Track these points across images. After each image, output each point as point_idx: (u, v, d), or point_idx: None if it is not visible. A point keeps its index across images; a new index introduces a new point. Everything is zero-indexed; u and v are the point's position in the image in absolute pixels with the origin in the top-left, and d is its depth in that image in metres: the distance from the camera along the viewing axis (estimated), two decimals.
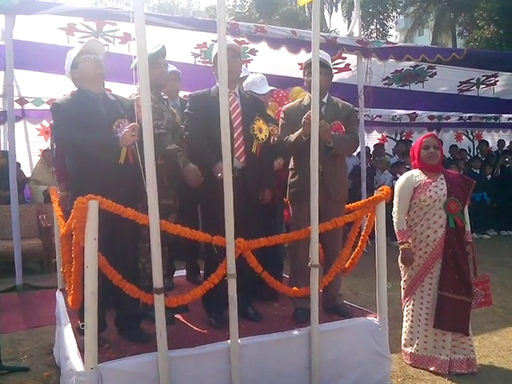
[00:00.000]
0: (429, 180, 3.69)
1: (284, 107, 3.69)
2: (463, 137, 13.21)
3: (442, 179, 3.70)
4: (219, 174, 3.04)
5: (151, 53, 3.28)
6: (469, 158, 11.56)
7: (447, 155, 11.22)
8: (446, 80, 8.96)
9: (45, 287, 5.79)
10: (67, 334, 3.16)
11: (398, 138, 12.39)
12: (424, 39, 27.78)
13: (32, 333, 4.58)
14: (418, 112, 11.80)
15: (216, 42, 2.97)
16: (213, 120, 2.81)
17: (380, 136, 12.46)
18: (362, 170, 8.13)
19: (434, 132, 12.72)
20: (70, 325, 3.25)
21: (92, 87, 3.04)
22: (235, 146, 3.33)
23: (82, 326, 2.61)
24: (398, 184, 3.81)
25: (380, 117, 11.85)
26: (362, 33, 24.48)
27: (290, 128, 3.46)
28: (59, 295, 3.95)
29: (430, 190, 3.65)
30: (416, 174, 3.76)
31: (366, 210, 3.34)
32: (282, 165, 3.88)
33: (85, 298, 2.57)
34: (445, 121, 12.58)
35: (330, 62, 3.62)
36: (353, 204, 3.48)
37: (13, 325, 4.73)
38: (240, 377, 2.86)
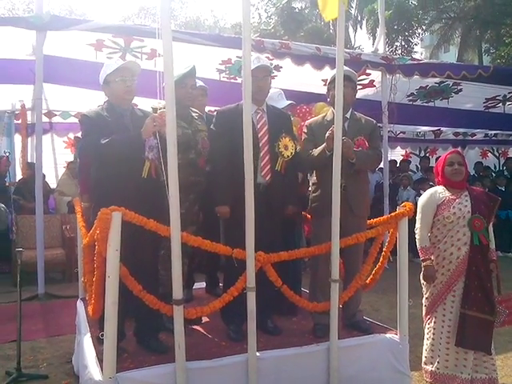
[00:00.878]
0: (453, 197, 3.64)
1: (307, 122, 3.71)
2: (489, 154, 13.02)
3: (466, 196, 3.64)
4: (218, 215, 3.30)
5: (181, 73, 3.36)
6: (494, 175, 11.39)
7: (472, 172, 11.08)
8: (471, 97, 8.89)
9: (66, 296, 5.87)
10: (86, 343, 3.19)
11: (421, 154, 12.29)
12: (450, 56, 27.58)
13: (52, 341, 4.64)
14: (442, 128, 11.70)
15: (241, 59, 3.02)
16: (239, 136, 2.84)
17: (404, 152, 12.38)
18: (385, 186, 8.07)
19: (459, 149, 12.60)
20: (89, 334, 3.29)
21: (121, 103, 3.14)
22: (261, 164, 3.36)
23: (102, 335, 2.63)
24: (421, 200, 3.77)
25: (404, 133, 11.77)
26: (387, 49, 24.56)
27: (313, 143, 3.48)
28: (80, 304, 4.00)
29: (453, 207, 3.60)
30: (440, 191, 3.72)
31: (388, 225, 3.31)
32: (300, 179, 3.89)
33: (105, 307, 2.60)
34: (470, 137, 12.43)
35: (355, 76, 3.63)
36: (375, 220, 3.45)
37: (34, 333, 4.80)
38: None
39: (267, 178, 3.37)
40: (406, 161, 11.10)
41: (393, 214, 3.31)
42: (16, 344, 3.84)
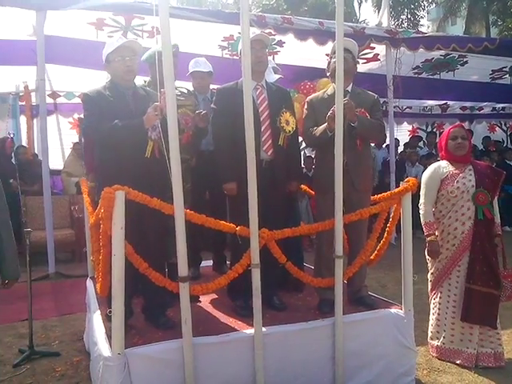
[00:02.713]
0: (456, 171, 3.63)
1: (308, 98, 3.68)
2: (496, 128, 12.90)
3: (470, 170, 3.63)
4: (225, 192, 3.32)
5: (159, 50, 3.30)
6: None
7: (480, 147, 11.01)
8: (477, 68, 8.78)
9: (76, 276, 5.96)
10: (96, 320, 3.25)
11: (428, 130, 12.19)
12: (457, 29, 27.13)
13: (63, 320, 4.73)
14: (449, 103, 11.58)
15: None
16: (240, 113, 2.83)
17: (410, 127, 12.30)
18: (391, 163, 8.04)
19: (467, 123, 12.50)
20: (98, 312, 3.34)
21: (122, 82, 3.13)
22: (263, 139, 3.35)
23: (110, 312, 2.68)
24: (424, 175, 3.76)
25: (410, 108, 11.68)
26: (392, 23, 24.17)
27: (314, 119, 3.46)
28: (89, 283, 4.06)
29: (457, 182, 3.59)
30: (443, 165, 3.71)
31: (392, 201, 3.31)
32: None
33: (112, 285, 2.64)
34: (477, 112, 12.33)
35: (354, 47, 3.57)
36: (378, 196, 3.45)
37: (45, 312, 4.90)
38: (264, 365, 2.90)
39: (269, 153, 3.37)
40: (415, 136, 11.00)
41: (396, 189, 3.30)
42: (28, 323, 3.93)
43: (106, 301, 3.08)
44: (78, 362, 3.75)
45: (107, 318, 3.01)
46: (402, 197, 3.25)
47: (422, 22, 27.13)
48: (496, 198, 3.71)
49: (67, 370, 3.61)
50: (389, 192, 3.39)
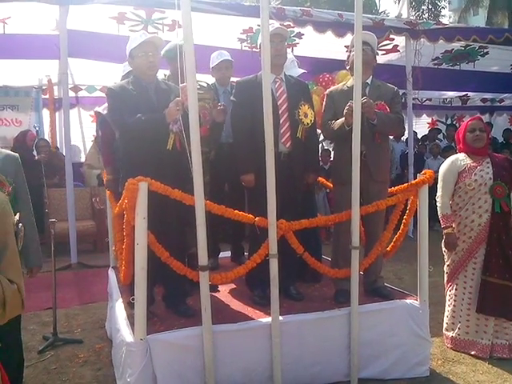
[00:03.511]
0: (474, 164, 3.64)
1: (328, 90, 3.73)
2: None
3: (488, 163, 3.64)
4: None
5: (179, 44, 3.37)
6: None
7: (500, 139, 10.88)
8: (498, 59, 8.68)
9: (98, 266, 6.09)
10: (118, 308, 3.36)
11: (448, 122, 12.08)
12: (479, 19, 26.66)
13: (85, 308, 4.87)
14: (469, 94, 11.46)
15: None
16: (259, 106, 2.89)
17: (430, 120, 12.19)
18: (410, 155, 8.02)
19: (487, 115, 12.35)
20: (121, 300, 3.45)
21: (145, 77, 3.21)
22: (281, 131, 3.41)
23: (133, 299, 2.77)
24: (442, 168, 3.78)
25: (430, 100, 11.58)
26: (413, 13, 23.84)
27: (333, 111, 3.50)
28: (111, 273, 4.18)
29: (475, 174, 3.60)
30: (461, 158, 3.72)
31: (409, 193, 3.34)
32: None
33: (135, 273, 2.74)
34: (498, 104, 12.16)
35: (373, 40, 3.59)
36: (395, 188, 3.48)
37: (68, 301, 5.04)
38: (280, 353, 2.97)
39: (287, 146, 3.42)
40: (434, 129, 10.91)
41: (413, 181, 3.33)
42: (52, 311, 4.07)
43: (128, 289, 3.18)
44: (100, 348, 3.87)
45: (130, 306, 3.11)
46: (418, 189, 3.28)
47: (444, 12, 26.79)
48: None
49: (90, 356, 3.74)
50: (406, 184, 3.42)
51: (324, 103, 3.68)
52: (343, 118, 3.30)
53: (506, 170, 3.64)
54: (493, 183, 3.56)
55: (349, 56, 3.49)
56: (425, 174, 3.28)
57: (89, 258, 6.74)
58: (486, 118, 12.40)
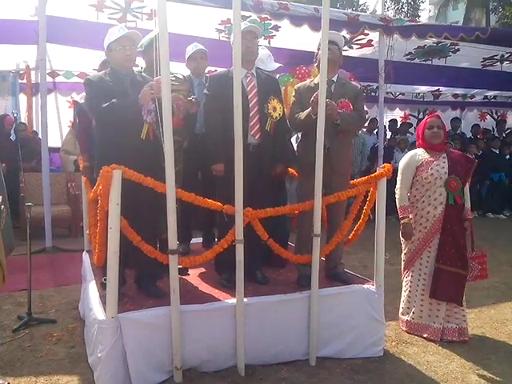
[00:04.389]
0: (431, 159, 3.88)
1: (296, 86, 3.90)
2: (487, 116, 13.11)
3: (444, 158, 3.87)
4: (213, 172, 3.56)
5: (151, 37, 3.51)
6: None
7: (469, 134, 11.23)
8: (468, 56, 8.96)
9: (72, 250, 6.21)
10: (92, 288, 3.52)
11: (420, 116, 12.40)
12: (458, 14, 27.09)
13: (59, 290, 5.00)
14: (441, 89, 11.76)
15: (241, 19, 3.18)
16: (230, 99, 3.05)
17: (402, 114, 12.49)
18: (380, 149, 8.28)
19: (458, 111, 12.71)
20: (94, 281, 3.62)
21: (122, 69, 3.35)
22: (251, 124, 3.58)
23: (105, 280, 2.94)
24: (401, 162, 4.01)
25: (403, 94, 11.88)
26: (392, 6, 23.96)
27: (301, 106, 3.68)
28: (85, 256, 4.33)
29: (431, 168, 3.83)
30: (419, 153, 3.95)
31: (368, 185, 3.56)
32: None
33: (107, 256, 2.90)
34: (469, 100, 12.51)
35: (341, 40, 3.77)
36: (356, 180, 3.70)
37: (42, 283, 5.16)
38: (244, 332, 3.17)
39: (256, 138, 3.60)
40: (406, 123, 11.21)
41: (372, 174, 3.54)
42: (27, 292, 4.19)
43: (101, 271, 3.34)
44: (73, 328, 4.02)
45: (102, 287, 3.28)
46: (377, 181, 3.50)
47: (423, 6, 27.11)
48: (467, 185, 3.95)
49: (63, 335, 3.88)
50: (366, 177, 3.63)
51: (293, 97, 3.86)
52: (310, 108, 3.48)
53: (462, 165, 3.88)
54: (448, 177, 3.80)
55: (317, 54, 3.66)
56: (384, 167, 3.50)
57: (63, 242, 6.83)
58: (457, 113, 12.79)
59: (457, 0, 24.81)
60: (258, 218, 3.28)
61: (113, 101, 3.15)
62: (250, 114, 3.57)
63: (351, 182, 3.73)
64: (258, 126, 3.61)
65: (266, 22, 7.29)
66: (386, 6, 24.31)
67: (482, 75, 10.01)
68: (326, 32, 3.20)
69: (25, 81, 8.74)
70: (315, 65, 3.75)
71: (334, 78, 3.71)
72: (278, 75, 7.45)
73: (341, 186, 3.57)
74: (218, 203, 3.23)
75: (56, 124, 9.40)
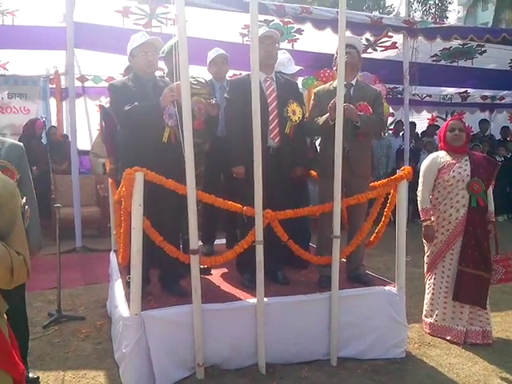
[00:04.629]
0: (453, 161, 3.87)
1: (315, 89, 3.94)
2: None
3: (466, 160, 3.86)
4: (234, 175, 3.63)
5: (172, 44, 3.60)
6: None
7: (498, 136, 11.04)
8: (496, 57, 8.85)
9: (101, 250, 6.35)
10: (117, 287, 3.64)
11: (448, 118, 12.21)
12: (488, 14, 26.57)
13: (88, 288, 5.16)
14: (469, 91, 11.59)
15: (263, 23, 3.25)
16: (250, 103, 3.10)
17: (430, 116, 12.35)
18: (406, 151, 8.24)
19: (487, 112, 12.50)
20: (120, 279, 3.73)
21: (144, 75, 3.46)
22: (270, 127, 3.64)
23: (129, 278, 3.04)
24: (423, 165, 4.01)
25: (430, 96, 11.73)
26: (420, 8, 23.66)
27: (320, 109, 3.71)
28: (112, 255, 4.45)
29: (453, 171, 3.82)
30: (441, 156, 3.94)
31: (388, 187, 3.58)
32: (308, 144, 4.16)
33: (131, 255, 3.00)
34: (498, 101, 12.30)
35: (359, 43, 3.81)
36: (377, 182, 3.71)
37: (72, 281, 5.32)
38: (265, 331, 3.22)
39: (276, 141, 3.65)
40: (433, 125, 11.07)
41: (392, 177, 3.56)
42: (57, 290, 4.33)
43: (126, 270, 3.43)
44: (100, 325, 4.15)
45: (127, 285, 3.36)
46: (397, 183, 3.51)
47: (452, 7, 26.73)
48: (491, 188, 3.92)
49: (91, 332, 4.02)
50: (386, 179, 3.65)
51: (312, 101, 3.90)
52: (327, 114, 3.52)
53: (484, 167, 3.86)
54: (470, 180, 3.78)
55: (336, 58, 3.70)
56: (403, 169, 3.51)
57: (93, 242, 7.03)
58: (485, 115, 12.56)
59: (486, 1, 24.35)
60: (278, 220, 3.33)
61: (135, 104, 3.25)
62: (270, 118, 3.63)
63: (372, 184, 3.75)
64: (277, 130, 3.66)
65: (288, 25, 7.35)
66: (414, 8, 24.04)
67: (510, 76, 9.84)
68: (343, 36, 3.24)
69: (54, 86, 8.99)
70: (334, 68, 3.78)
71: (353, 82, 3.74)
72: (302, 78, 7.53)
73: (361, 188, 3.59)
74: (238, 205, 3.29)
75: (86, 127, 9.65)
